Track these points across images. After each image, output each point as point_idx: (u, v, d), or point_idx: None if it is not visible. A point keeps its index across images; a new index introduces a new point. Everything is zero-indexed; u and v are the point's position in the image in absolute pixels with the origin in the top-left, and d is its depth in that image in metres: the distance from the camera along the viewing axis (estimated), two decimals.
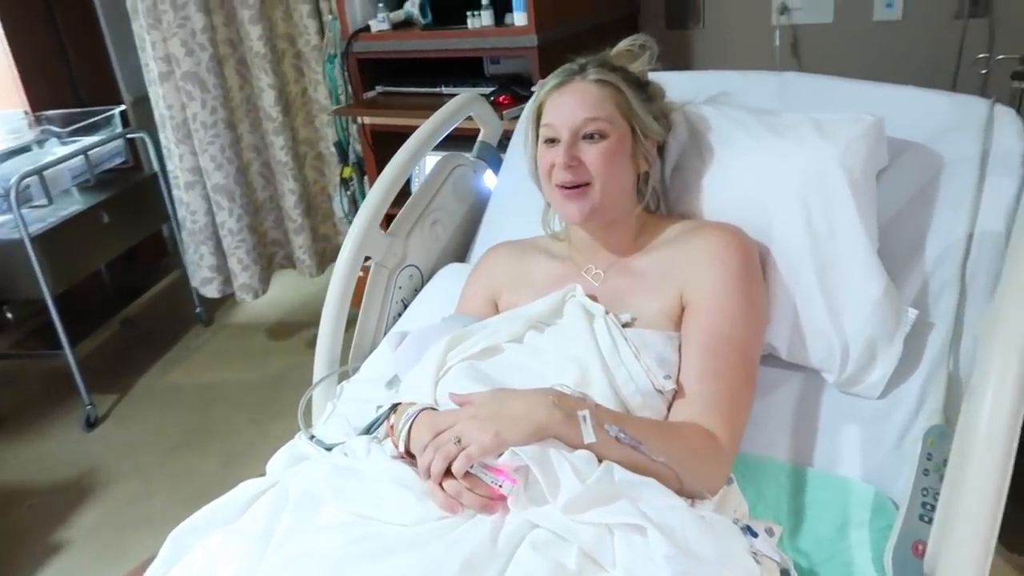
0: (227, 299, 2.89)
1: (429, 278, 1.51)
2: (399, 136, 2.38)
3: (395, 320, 1.45)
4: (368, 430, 1.09)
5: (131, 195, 2.79)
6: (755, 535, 0.89)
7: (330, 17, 2.40)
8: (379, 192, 1.38)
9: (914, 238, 1.14)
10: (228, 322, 3.16)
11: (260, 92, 2.56)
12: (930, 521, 0.88)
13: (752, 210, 1.13)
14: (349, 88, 2.34)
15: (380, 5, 2.17)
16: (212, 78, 2.45)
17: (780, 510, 1.01)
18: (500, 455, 0.85)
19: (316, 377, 1.36)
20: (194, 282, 2.84)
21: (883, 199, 1.14)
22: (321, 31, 2.52)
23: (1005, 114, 1.16)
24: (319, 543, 0.86)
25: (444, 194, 1.53)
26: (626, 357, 0.97)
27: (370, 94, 2.31)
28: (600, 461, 0.86)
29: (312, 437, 1.12)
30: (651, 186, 1.14)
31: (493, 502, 0.85)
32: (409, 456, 0.97)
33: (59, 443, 2.47)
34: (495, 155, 1.64)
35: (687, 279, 1.05)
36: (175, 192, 2.70)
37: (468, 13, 2.00)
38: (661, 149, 1.22)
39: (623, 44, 1.17)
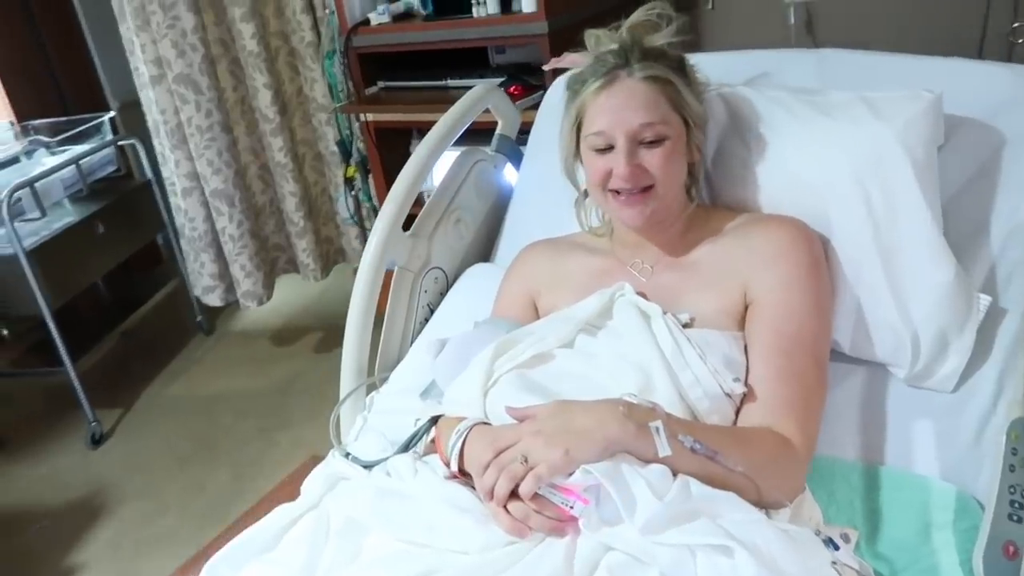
0: (228, 306, 2.81)
1: (455, 280, 1.43)
2: (403, 133, 2.33)
3: (422, 326, 1.38)
4: (407, 446, 1.02)
5: (125, 204, 2.71)
6: (836, 547, 0.83)
7: (327, 12, 2.32)
8: (401, 191, 1.30)
9: (977, 220, 1.07)
10: (230, 330, 3.08)
11: (255, 92, 2.48)
12: (1020, 520, 0.83)
13: (806, 198, 1.06)
14: (350, 85, 2.26)
15: None
16: (205, 80, 2.36)
17: (854, 513, 0.95)
18: (571, 474, 0.79)
19: (344, 389, 1.29)
20: (196, 291, 2.76)
21: (940, 180, 1.07)
22: (315, 27, 2.44)
23: None
24: None
25: (466, 191, 1.46)
26: (691, 359, 0.90)
27: (372, 90, 2.23)
28: (675, 475, 0.80)
29: (348, 455, 1.05)
30: (701, 175, 1.08)
31: (563, 524, 0.79)
32: (463, 475, 0.91)
33: (64, 462, 2.39)
34: (514, 148, 1.57)
35: (750, 276, 0.98)
36: (172, 199, 2.62)
37: (473, 1, 1.92)
38: None
39: (639, 15, 1.05)
